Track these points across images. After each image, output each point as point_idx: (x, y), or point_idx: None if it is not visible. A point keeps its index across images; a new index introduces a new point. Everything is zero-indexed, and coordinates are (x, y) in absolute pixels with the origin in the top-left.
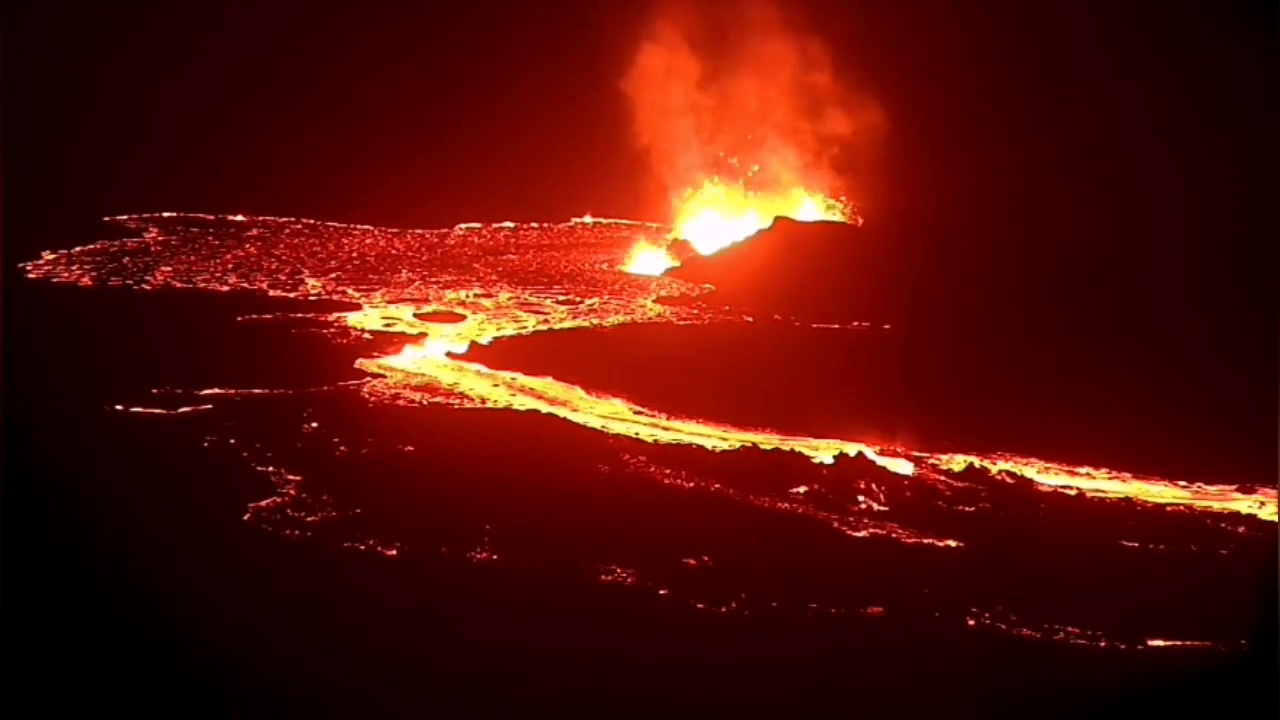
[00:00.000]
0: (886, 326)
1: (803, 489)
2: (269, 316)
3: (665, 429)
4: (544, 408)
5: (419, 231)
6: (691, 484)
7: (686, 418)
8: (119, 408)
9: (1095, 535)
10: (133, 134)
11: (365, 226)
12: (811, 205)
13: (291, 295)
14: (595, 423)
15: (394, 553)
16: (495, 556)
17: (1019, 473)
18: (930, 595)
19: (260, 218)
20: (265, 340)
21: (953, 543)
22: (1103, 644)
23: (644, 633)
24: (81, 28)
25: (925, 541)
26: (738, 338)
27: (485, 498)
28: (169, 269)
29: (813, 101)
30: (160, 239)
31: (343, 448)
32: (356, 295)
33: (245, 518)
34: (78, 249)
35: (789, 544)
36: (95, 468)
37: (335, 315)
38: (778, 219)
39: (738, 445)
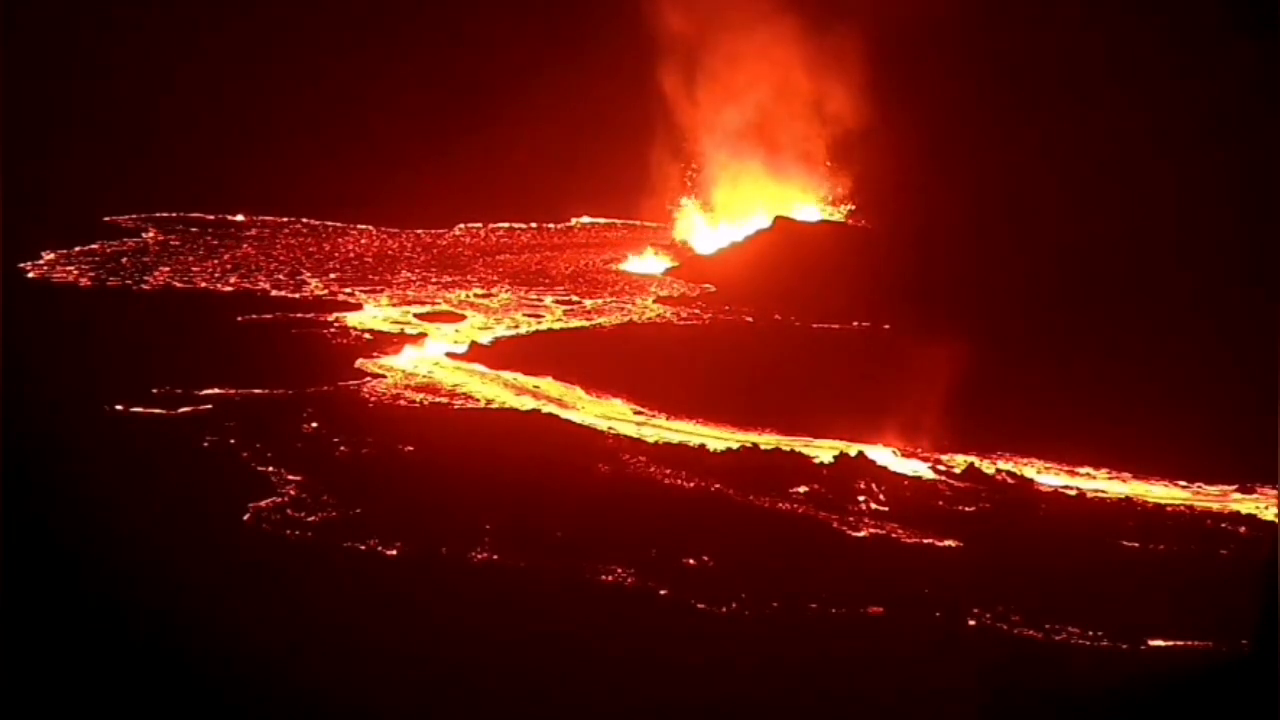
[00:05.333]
0: (886, 326)
1: (803, 489)
2: (269, 316)
3: (665, 429)
4: (544, 408)
5: (418, 231)
6: (691, 484)
7: (686, 418)
8: (119, 408)
9: (1095, 535)
10: (133, 134)
11: (364, 226)
12: (811, 205)
13: (292, 295)
14: (595, 423)
15: (394, 553)
16: (495, 556)
17: (1019, 473)
18: (930, 595)
19: (260, 218)
20: (265, 340)
21: (953, 543)
22: (1103, 644)
23: (644, 633)
24: (81, 27)
25: (925, 541)
26: (738, 338)
27: (485, 498)
28: (169, 269)
29: (813, 102)
30: (160, 239)
31: (343, 448)
32: (360, 295)
33: (245, 518)
34: (77, 249)
35: (789, 544)
36: (95, 467)
37: (335, 315)
38: (778, 219)
39: (738, 445)
